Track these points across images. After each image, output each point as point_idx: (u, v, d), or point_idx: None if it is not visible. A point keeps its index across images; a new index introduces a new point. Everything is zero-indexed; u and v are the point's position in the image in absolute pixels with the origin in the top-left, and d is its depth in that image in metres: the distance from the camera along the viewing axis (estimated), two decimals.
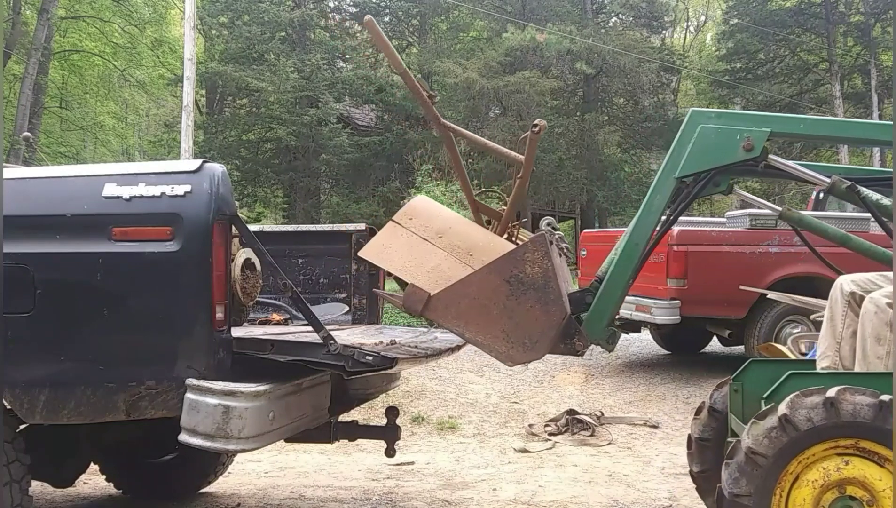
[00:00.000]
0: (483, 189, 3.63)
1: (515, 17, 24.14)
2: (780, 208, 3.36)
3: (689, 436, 3.65)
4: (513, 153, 3.39)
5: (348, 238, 4.46)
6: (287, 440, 3.61)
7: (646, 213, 3.15)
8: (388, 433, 4.02)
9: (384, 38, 3.07)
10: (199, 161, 2.94)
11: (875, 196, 3.16)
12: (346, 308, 4.42)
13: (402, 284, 4.05)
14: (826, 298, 3.53)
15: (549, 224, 3.37)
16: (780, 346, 5.96)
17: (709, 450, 3.52)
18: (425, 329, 4.28)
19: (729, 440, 3.27)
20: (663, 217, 3.19)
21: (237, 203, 3.06)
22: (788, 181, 28.17)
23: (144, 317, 2.83)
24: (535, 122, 2.97)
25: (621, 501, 4.61)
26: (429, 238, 3.13)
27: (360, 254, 3.31)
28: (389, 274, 4.56)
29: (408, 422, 6.67)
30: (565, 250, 3.54)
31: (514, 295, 2.89)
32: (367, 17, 3.04)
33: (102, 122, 30.71)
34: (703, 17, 41.78)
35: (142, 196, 2.87)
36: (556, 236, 3.36)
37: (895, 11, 21.60)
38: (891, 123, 3.31)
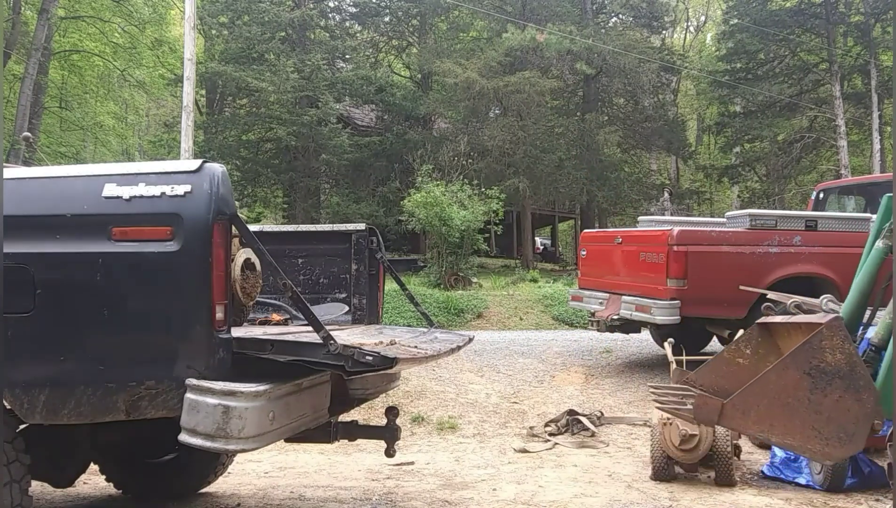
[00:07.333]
0: None
1: (515, 17, 24.11)
2: None
3: (889, 465, 3.47)
4: None
5: (348, 238, 4.46)
6: (287, 440, 3.60)
7: None
8: (388, 433, 4.01)
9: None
10: (199, 161, 2.93)
11: None
12: (346, 308, 4.41)
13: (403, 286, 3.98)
14: None
15: (830, 299, 3.23)
16: None
17: None
18: (425, 329, 4.27)
19: None
20: None
21: (237, 203, 3.05)
22: (789, 181, 28.15)
23: (144, 317, 2.82)
24: None
25: (621, 501, 4.60)
26: None
27: None
28: (389, 275, 4.56)
29: (408, 422, 6.66)
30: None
31: (818, 387, 2.69)
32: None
33: (102, 122, 30.70)
34: (703, 17, 41.80)
35: (142, 196, 2.86)
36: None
37: (895, 11, 21.57)
38: None
